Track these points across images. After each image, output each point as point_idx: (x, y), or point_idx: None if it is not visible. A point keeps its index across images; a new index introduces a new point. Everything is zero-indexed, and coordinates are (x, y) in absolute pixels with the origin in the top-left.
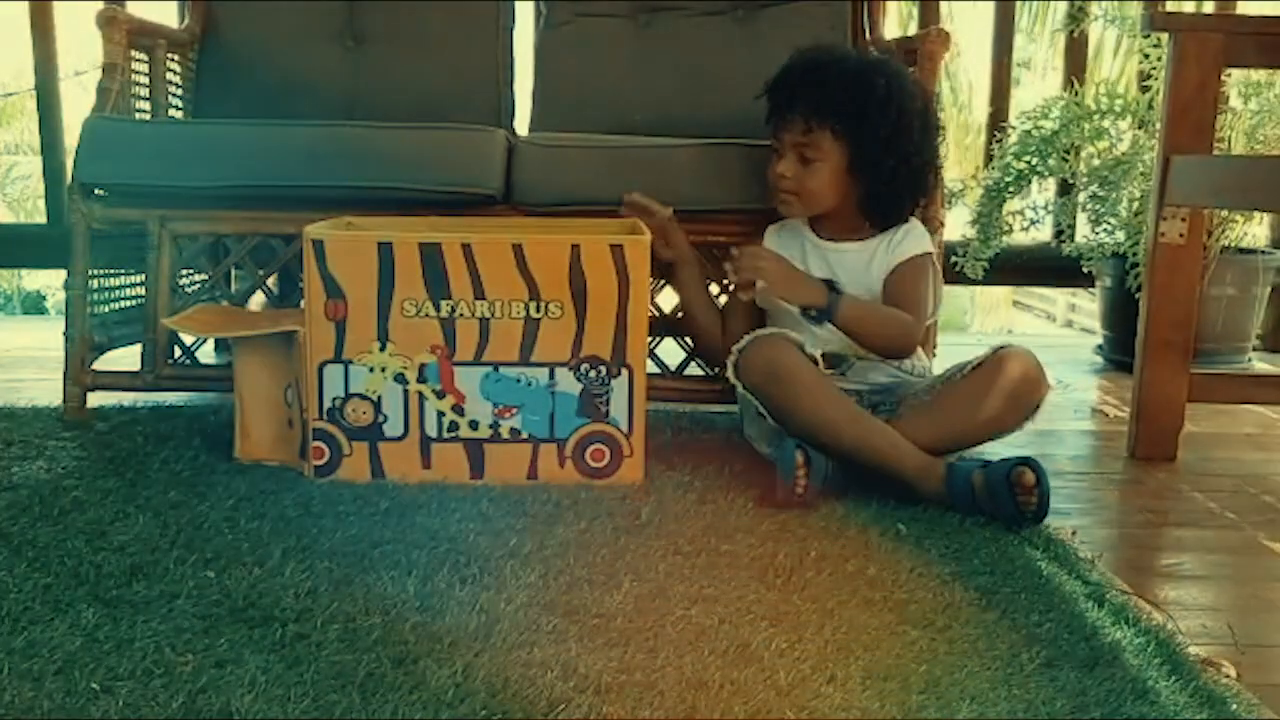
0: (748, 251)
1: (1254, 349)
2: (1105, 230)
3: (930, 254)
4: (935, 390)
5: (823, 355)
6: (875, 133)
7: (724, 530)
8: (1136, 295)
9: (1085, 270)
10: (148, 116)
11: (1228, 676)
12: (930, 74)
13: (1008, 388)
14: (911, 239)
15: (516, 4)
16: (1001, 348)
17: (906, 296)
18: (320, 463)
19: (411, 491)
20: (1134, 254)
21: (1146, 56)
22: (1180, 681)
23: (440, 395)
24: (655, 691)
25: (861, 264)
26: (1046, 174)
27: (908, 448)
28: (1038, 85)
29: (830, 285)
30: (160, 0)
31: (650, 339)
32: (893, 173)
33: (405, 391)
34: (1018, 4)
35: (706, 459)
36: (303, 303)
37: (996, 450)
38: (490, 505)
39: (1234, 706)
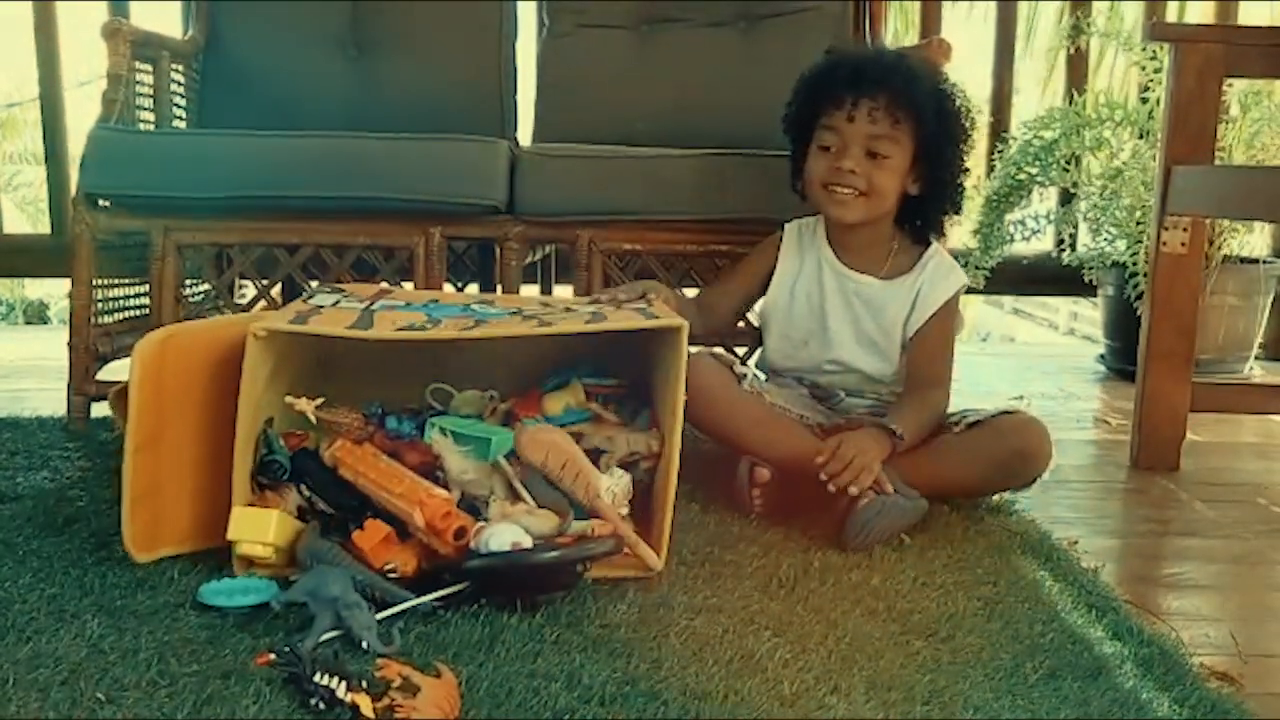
0: (851, 466)
1: (1256, 358)
2: (1106, 239)
3: (961, 288)
4: (938, 438)
5: (811, 388)
6: (946, 135)
7: (727, 540)
8: (1136, 304)
9: (1086, 280)
10: (152, 126)
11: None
12: None
13: (1002, 458)
14: (939, 281)
15: (519, 14)
16: (1007, 413)
17: (935, 362)
18: None
19: None
20: (1133, 263)
21: (1143, 69)
22: (1183, 691)
23: None
24: (659, 702)
25: (880, 303)
26: (1047, 183)
27: (812, 449)
28: (1033, 93)
29: (889, 430)
30: (161, 2)
31: None
32: (946, 182)
33: None
34: (1018, 8)
35: (709, 469)
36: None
37: None
38: None
39: (1235, 716)
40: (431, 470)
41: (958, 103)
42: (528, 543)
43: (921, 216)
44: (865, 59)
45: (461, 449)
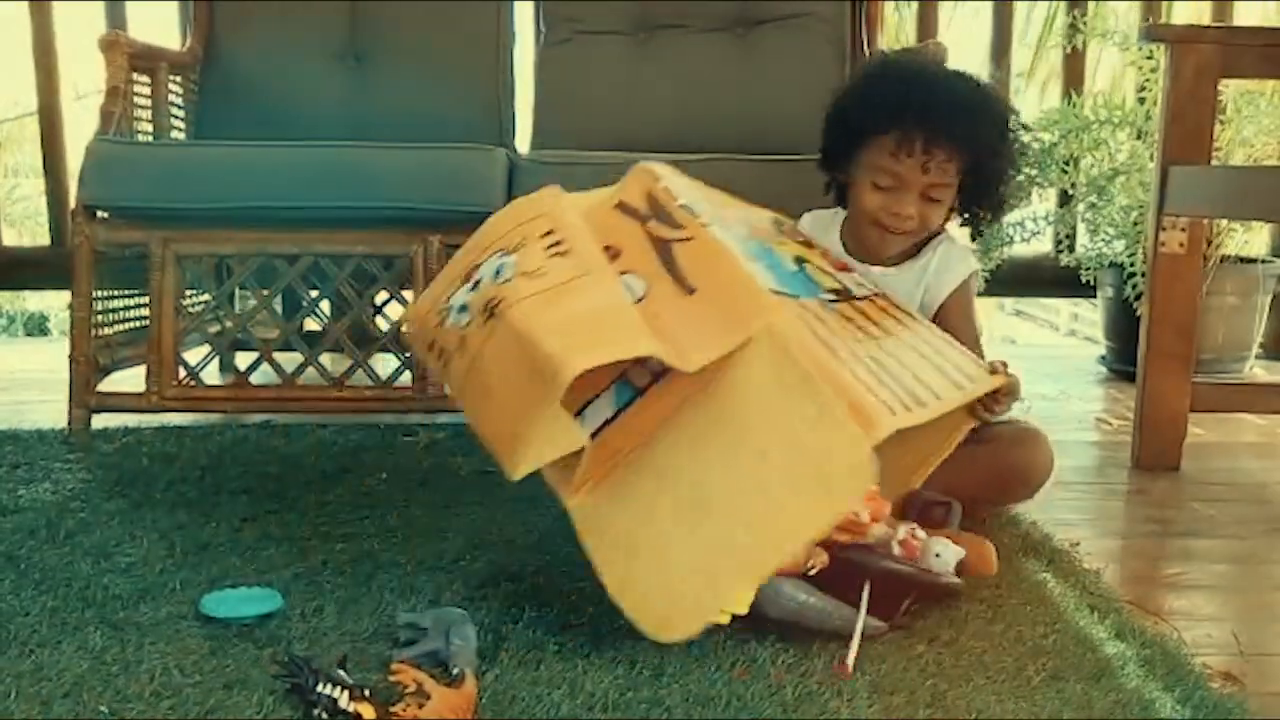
0: (1007, 393)
1: (1256, 357)
2: (1103, 240)
3: (975, 271)
4: None
5: None
6: (997, 170)
7: None
8: (1133, 304)
9: (1086, 282)
10: (150, 138)
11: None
12: None
13: (1000, 471)
14: (955, 262)
15: (516, 22)
16: (1009, 424)
17: (955, 328)
18: None
19: (418, 511)
20: (1130, 263)
21: (1139, 68)
22: (1186, 692)
23: None
24: (662, 708)
25: (886, 288)
26: (1046, 185)
27: None
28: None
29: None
30: (158, 2)
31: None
32: (988, 202)
33: None
34: (1013, 9)
35: None
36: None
37: None
38: (496, 526)
39: (1239, 716)
40: None
41: (1015, 135)
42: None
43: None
44: (946, 99)
45: None
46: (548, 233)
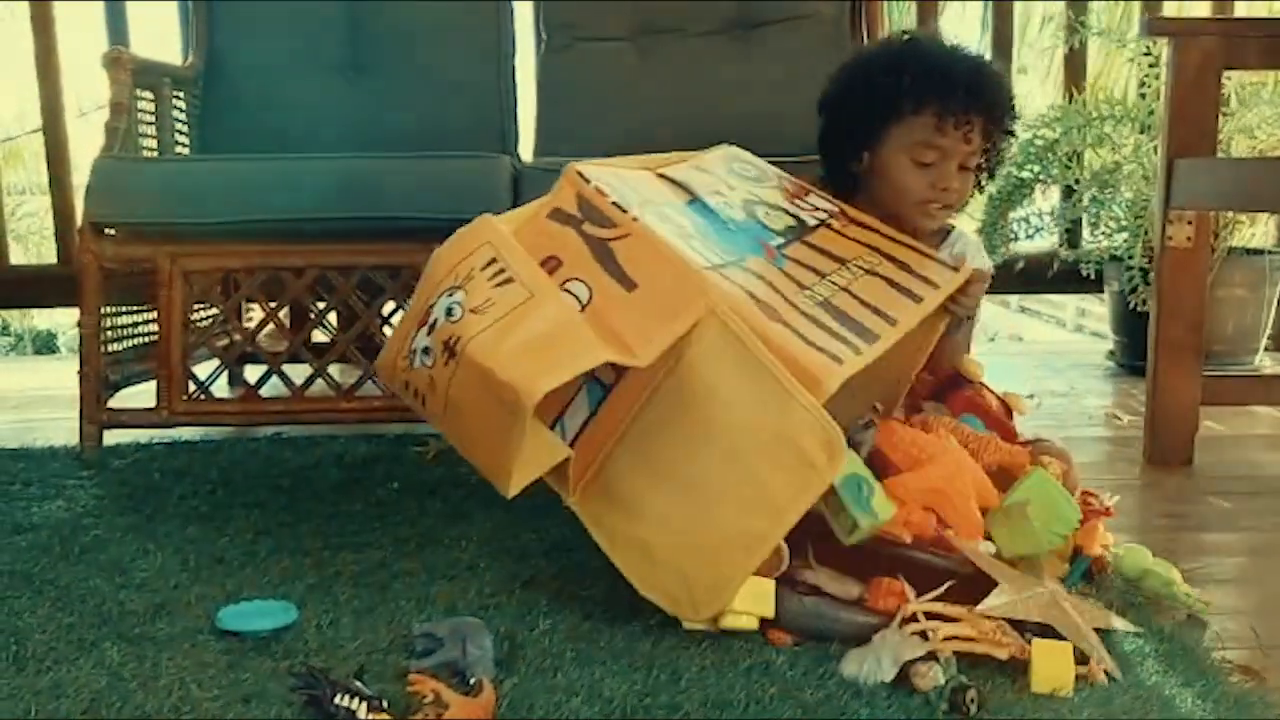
0: (978, 284)
1: (1265, 349)
2: (1104, 233)
3: (989, 271)
4: None
5: None
6: (1007, 139)
7: None
8: (1130, 298)
9: (1085, 274)
10: (155, 154)
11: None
12: None
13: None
14: (971, 258)
15: (517, 30)
16: (1035, 443)
17: (962, 331)
18: None
19: (430, 520)
20: (1129, 256)
21: (1132, 61)
22: (1205, 687)
23: None
24: (680, 712)
25: None
26: (1050, 181)
27: None
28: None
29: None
30: (156, 2)
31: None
32: (988, 172)
33: None
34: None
35: None
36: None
37: None
38: (508, 533)
39: (1259, 710)
40: None
41: (1014, 104)
42: None
43: None
44: (975, 68)
45: None
46: (490, 262)
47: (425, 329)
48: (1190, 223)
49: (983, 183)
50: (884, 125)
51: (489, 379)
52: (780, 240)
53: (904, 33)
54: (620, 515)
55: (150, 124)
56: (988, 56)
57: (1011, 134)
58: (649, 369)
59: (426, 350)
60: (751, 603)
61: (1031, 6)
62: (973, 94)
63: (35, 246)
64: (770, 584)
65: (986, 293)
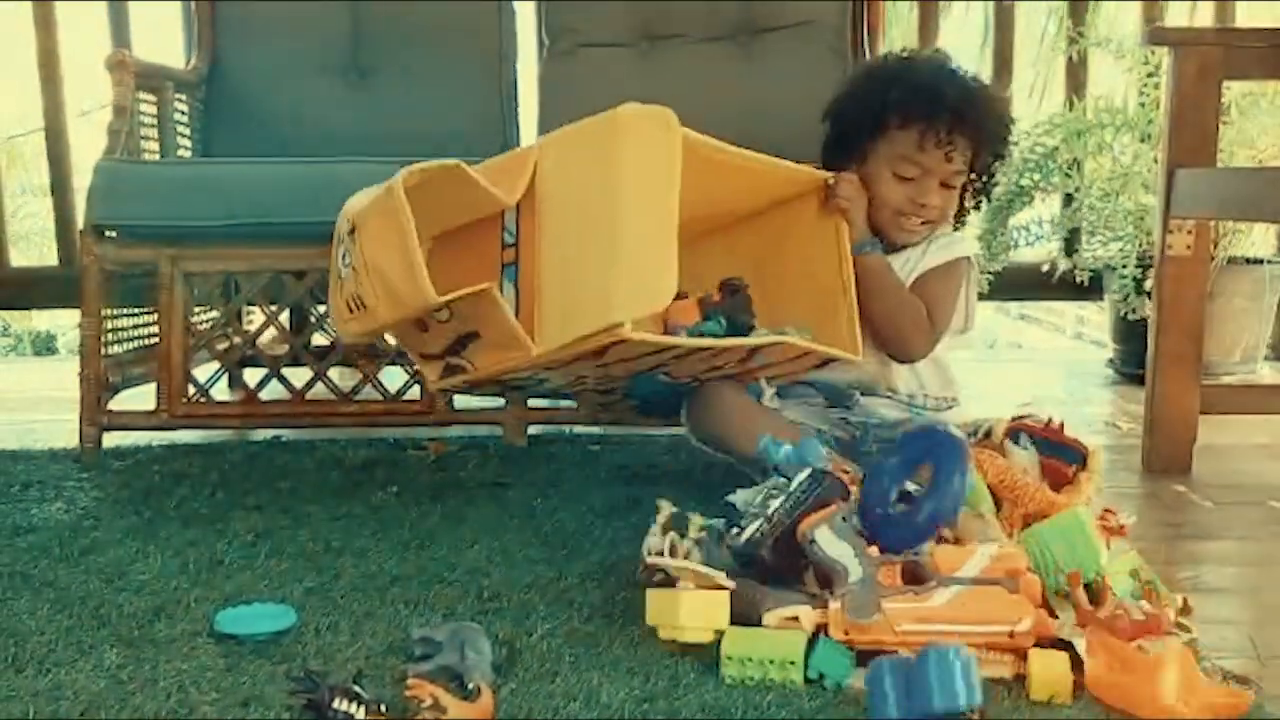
0: (845, 179)
1: (1265, 358)
2: (1100, 241)
3: (968, 258)
4: None
5: (825, 393)
6: (997, 161)
7: None
8: (1121, 306)
9: (1079, 282)
10: (156, 156)
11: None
12: None
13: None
14: (951, 246)
15: (519, 35)
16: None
17: (929, 297)
18: None
19: (429, 524)
20: (1124, 264)
21: (1130, 70)
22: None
23: None
24: (679, 718)
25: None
26: (1050, 189)
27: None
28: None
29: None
30: (158, 3)
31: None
32: (982, 193)
33: None
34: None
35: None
36: None
37: None
38: (508, 538)
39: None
40: None
41: (1011, 128)
42: None
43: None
44: (964, 89)
45: None
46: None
47: (341, 254)
48: (1190, 232)
49: (979, 202)
50: (872, 138)
51: (377, 202)
52: None
53: (903, 50)
54: (558, 315)
55: (152, 126)
56: (989, 66)
57: (1001, 157)
58: (525, 204)
59: (345, 255)
60: (704, 618)
61: (1034, 8)
62: (959, 115)
63: (37, 247)
64: (724, 596)
65: (985, 297)
